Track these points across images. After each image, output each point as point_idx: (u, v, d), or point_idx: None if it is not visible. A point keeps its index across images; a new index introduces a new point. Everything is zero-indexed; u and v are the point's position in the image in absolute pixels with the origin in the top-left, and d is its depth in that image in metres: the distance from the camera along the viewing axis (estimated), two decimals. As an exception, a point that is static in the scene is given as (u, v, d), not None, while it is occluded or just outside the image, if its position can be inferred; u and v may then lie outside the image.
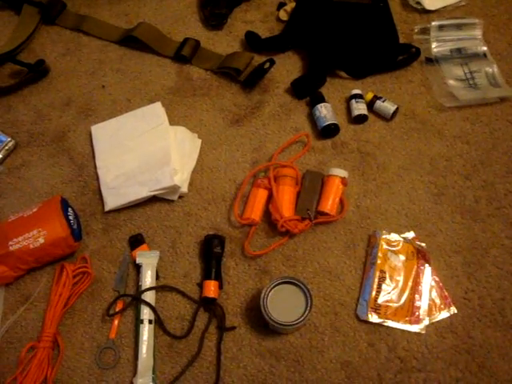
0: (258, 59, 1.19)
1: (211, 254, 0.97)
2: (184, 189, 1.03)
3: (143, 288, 0.94)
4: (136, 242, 1.01)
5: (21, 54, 1.24)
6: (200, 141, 1.09)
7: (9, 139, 1.11)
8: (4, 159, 1.11)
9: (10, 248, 0.94)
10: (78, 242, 0.98)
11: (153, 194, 1.01)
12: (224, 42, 1.24)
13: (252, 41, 1.20)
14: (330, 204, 0.99)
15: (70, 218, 0.97)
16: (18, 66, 1.19)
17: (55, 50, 1.26)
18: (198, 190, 1.06)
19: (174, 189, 1.01)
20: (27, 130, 1.15)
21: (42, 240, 0.94)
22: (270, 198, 1.02)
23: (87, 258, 0.99)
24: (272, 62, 1.14)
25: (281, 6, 1.27)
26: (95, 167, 1.08)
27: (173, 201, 1.04)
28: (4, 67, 1.22)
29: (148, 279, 0.94)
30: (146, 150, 1.06)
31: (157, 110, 1.11)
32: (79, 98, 1.18)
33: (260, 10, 1.29)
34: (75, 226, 0.98)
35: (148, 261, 0.96)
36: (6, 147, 1.11)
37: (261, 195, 1.02)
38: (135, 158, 1.05)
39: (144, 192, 1.01)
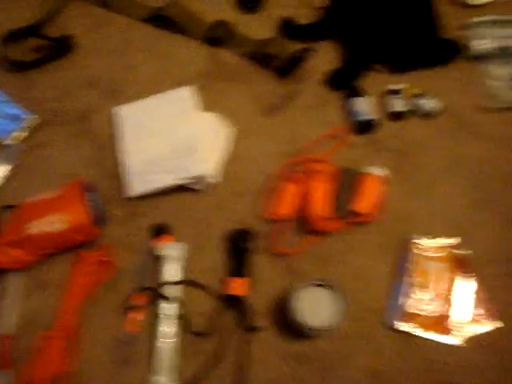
0: (294, 47, 1.12)
1: (239, 249, 0.93)
2: (213, 179, 0.98)
3: (166, 281, 0.89)
4: (161, 231, 0.97)
5: (46, 28, 1.18)
6: (233, 129, 1.03)
7: (33, 116, 1.06)
8: (27, 136, 1.06)
9: (27, 231, 0.89)
10: (100, 229, 0.93)
11: (179, 182, 0.97)
12: (258, 27, 1.18)
13: (289, 27, 1.15)
14: (365, 204, 0.94)
15: (93, 203, 0.93)
16: (43, 40, 1.13)
17: (82, 25, 1.20)
18: (227, 180, 1.01)
19: (202, 179, 0.96)
20: (50, 108, 1.10)
21: (61, 225, 0.90)
22: (302, 193, 0.97)
23: (108, 246, 0.94)
24: (309, 51, 1.07)
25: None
26: (118, 151, 1.02)
27: (200, 191, 0.98)
28: (28, 41, 1.17)
29: (172, 272, 0.90)
30: (174, 136, 1.01)
31: (187, 93, 1.06)
32: (105, 77, 1.12)
33: (297, -7, 1.21)
34: (98, 212, 0.93)
35: (174, 253, 0.91)
36: (30, 124, 1.06)
37: (293, 190, 0.98)
38: (162, 143, 1.00)
39: (170, 180, 0.96)
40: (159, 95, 1.07)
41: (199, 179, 0.96)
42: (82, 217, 0.90)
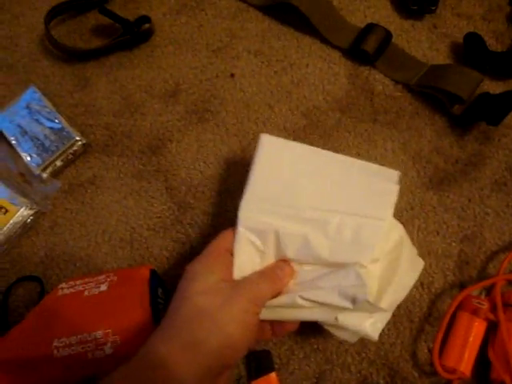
0: (487, 84, 0.75)
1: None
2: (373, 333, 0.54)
3: None
4: (259, 365, 0.59)
5: (112, 3, 0.78)
6: (422, 263, 0.59)
7: (77, 138, 0.68)
8: (65, 166, 0.68)
9: (55, 352, 0.52)
10: None
11: (335, 303, 0.52)
12: (425, 41, 0.78)
13: (475, 50, 0.73)
14: None
15: (160, 307, 0.55)
16: (109, 19, 0.74)
17: (166, 3, 0.81)
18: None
19: (371, 311, 0.53)
20: (106, 125, 0.72)
21: (108, 350, 0.54)
22: (489, 336, 0.60)
23: None
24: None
25: (519, -1, 0.79)
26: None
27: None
28: (88, 16, 0.77)
29: None
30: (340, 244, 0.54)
31: (391, 182, 0.58)
32: (192, 86, 0.74)
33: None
34: None
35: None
36: (72, 149, 0.68)
37: (477, 330, 0.59)
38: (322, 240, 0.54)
39: (324, 313, 0.53)
40: (343, 158, 0.59)
41: (358, 307, 0.52)
42: (143, 340, 0.53)
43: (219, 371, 0.47)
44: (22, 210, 0.66)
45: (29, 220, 0.67)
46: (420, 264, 0.58)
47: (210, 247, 0.53)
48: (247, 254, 0.54)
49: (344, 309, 0.51)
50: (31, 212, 0.67)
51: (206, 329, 0.46)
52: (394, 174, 0.57)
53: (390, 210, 0.55)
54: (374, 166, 0.58)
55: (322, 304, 0.51)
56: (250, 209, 0.55)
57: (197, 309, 0.47)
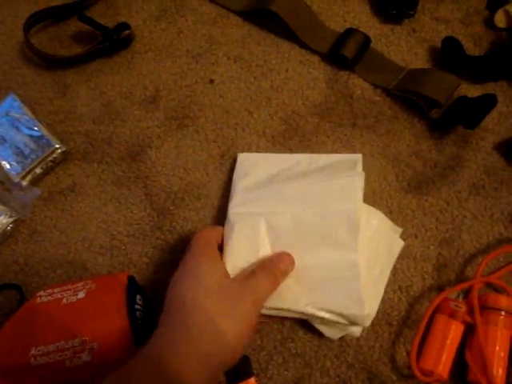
0: (464, 88, 0.75)
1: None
2: (359, 328, 0.59)
3: None
4: (238, 370, 0.60)
5: (96, 6, 0.78)
6: (402, 243, 0.64)
7: (57, 145, 0.68)
8: (45, 174, 0.68)
9: (32, 360, 0.52)
10: None
11: (314, 313, 0.57)
12: (404, 45, 0.78)
13: (452, 54, 0.74)
14: None
15: (138, 317, 0.55)
16: (89, 26, 0.74)
17: (146, 10, 0.82)
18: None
19: (354, 322, 0.57)
20: (86, 132, 0.72)
21: (86, 357, 0.54)
22: (466, 338, 0.61)
23: None
24: (492, 102, 0.67)
25: (496, 3, 0.78)
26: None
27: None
28: (68, 23, 0.78)
29: None
30: (324, 240, 0.60)
31: (355, 168, 0.65)
32: (172, 92, 0.74)
33: (460, 3, 0.82)
34: (144, 333, 0.55)
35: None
36: (51, 157, 0.68)
37: (454, 333, 0.59)
38: (304, 243, 0.60)
39: (301, 304, 0.57)
40: (307, 156, 0.68)
41: (347, 319, 0.56)
42: (120, 347, 0.53)
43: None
44: (1, 217, 0.66)
45: (8, 228, 0.67)
46: (399, 245, 0.63)
47: (199, 244, 0.54)
48: (241, 247, 0.58)
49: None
50: (10, 220, 0.67)
51: (218, 342, 0.48)
52: (354, 158, 0.66)
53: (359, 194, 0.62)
54: (338, 155, 0.68)
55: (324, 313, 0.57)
56: (238, 206, 0.62)
57: (208, 317, 0.48)
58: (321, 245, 0.59)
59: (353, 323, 0.56)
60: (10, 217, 0.67)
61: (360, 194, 0.62)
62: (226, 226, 0.60)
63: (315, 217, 0.60)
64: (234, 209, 0.62)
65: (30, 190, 0.68)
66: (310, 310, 0.56)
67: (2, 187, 0.69)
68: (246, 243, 0.58)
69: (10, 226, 0.67)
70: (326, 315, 0.56)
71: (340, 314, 0.56)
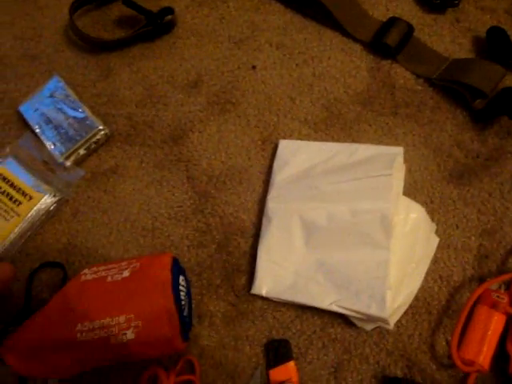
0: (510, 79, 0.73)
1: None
2: (390, 319, 0.59)
3: None
4: (278, 353, 0.60)
5: None
6: (437, 239, 0.65)
7: (100, 127, 0.68)
8: (88, 155, 0.69)
9: (78, 335, 0.53)
10: (186, 342, 0.56)
11: (337, 310, 0.59)
12: (447, 35, 0.77)
13: (498, 45, 0.73)
14: None
15: (182, 298, 0.56)
16: (132, 10, 0.75)
17: (187, -4, 0.80)
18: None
19: (376, 320, 0.59)
20: (128, 115, 0.72)
21: (131, 335, 0.54)
22: (508, 330, 0.60)
23: (195, 362, 0.58)
24: None
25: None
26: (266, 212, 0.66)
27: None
28: (111, 7, 0.78)
29: None
30: (358, 238, 0.62)
31: (395, 161, 0.65)
32: (214, 78, 0.74)
33: (508, -7, 0.80)
34: (186, 313, 0.56)
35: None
36: (94, 138, 0.69)
37: (496, 324, 0.59)
38: (338, 236, 0.62)
39: (326, 302, 0.59)
40: (348, 146, 0.68)
41: (371, 319, 0.58)
42: (166, 327, 0.54)
43: None
44: (45, 197, 0.67)
45: (52, 207, 0.68)
46: (435, 241, 0.63)
47: None
48: (276, 241, 0.62)
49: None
50: (54, 199, 0.68)
51: None
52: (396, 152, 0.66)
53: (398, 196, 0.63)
54: (377, 147, 0.68)
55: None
56: (276, 198, 0.64)
57: None
58: (353, 242, 0.60)
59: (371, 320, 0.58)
60: (54, 196, 0.68)
61: (397, 191, 0.63)
62: (263, 219, 0.64)
63: (349, 214, 0.61)
64: (272, 201, 0.64)
65: (74, 171, 0.69)
66: (335, 308, 0.58)
67: (46, 167, 0.70)
68: (281, 238, 0.62)
69: (54, 205, 0.68)
70: (350, 313, 0.58)
71: (363, 314, 0.57)
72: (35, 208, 0.67)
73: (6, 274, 0.59)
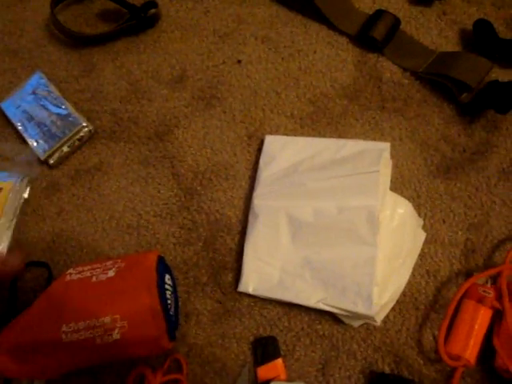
0: (495, 72, 0.74)
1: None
2: (377, 316, 0.60)
3: None
4: (265, 351, 0.59)
5: None
6: (424, 234, 0.64)
7: (84, 124, 0.67)
8: (72, 152, 0.68)
9: (63, 337, 0.53)
10: (173, 341, 0.56)
11: (324, 308, 0.59)
12: (433, 28, 0.77)
13: (484, 37, 0.73)
14: None
15: (168, 297, 0.56)
16: (115, 4, 0.73)
17: (173, -12, 0.79)
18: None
19: (363, 317, 0.58)
20: (112, 111, 0.71)
21: (116, 335, 0.53)
22: (494, 324, 0.60)
23: (183, 360, 0.58)
24: None
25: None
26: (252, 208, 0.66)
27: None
28: (94, 1, 0.77)
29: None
30: (345, 232, 0.62)
31: (381, 157, 0.65)
32: (199, 72, 0.74)
33: (496, -15, 0.79)
34: (173, 312, 0.56)
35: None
36: (78, 135, 0.68)
37: (482, 318, 0.59)
38: (324, 234, 0.62)
39: (313, 301, 0.58)
40: (335, 141, 0.68)
41: (358, 316, 0.58)
42: (152, 327, 0.53)
43: None
44: (14, 183, 0.66)
45: (26, 193, 0.66)
46: (422, 236, 0.63)
47: None
48: (263, 238, 0.62)
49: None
50: (24, 183, 0.66)
51: None
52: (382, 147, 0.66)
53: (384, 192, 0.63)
54: (364, 143, 0.67)
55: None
56: (263, 195, 0.64)
57: None
58: (340, 239, 0.60)
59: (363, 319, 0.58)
60: (22, 180, 0.66)
61: (384, 187, 0.63)
62: (250, 216, 0.63)
63: (336, 211, 0.61)
64: (258, 199, 0.64)
65: (27, 150, 0.68)
66: (322, 306, 0.59)
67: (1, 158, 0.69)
68: (267, 235, 0.62)
69: (27, 188, 0.67)
70: (336, 311, 0.58)
71: (350, 312, 0.58)
72: (10, 196, 0.65)
73: (16, 263, 0.58)
